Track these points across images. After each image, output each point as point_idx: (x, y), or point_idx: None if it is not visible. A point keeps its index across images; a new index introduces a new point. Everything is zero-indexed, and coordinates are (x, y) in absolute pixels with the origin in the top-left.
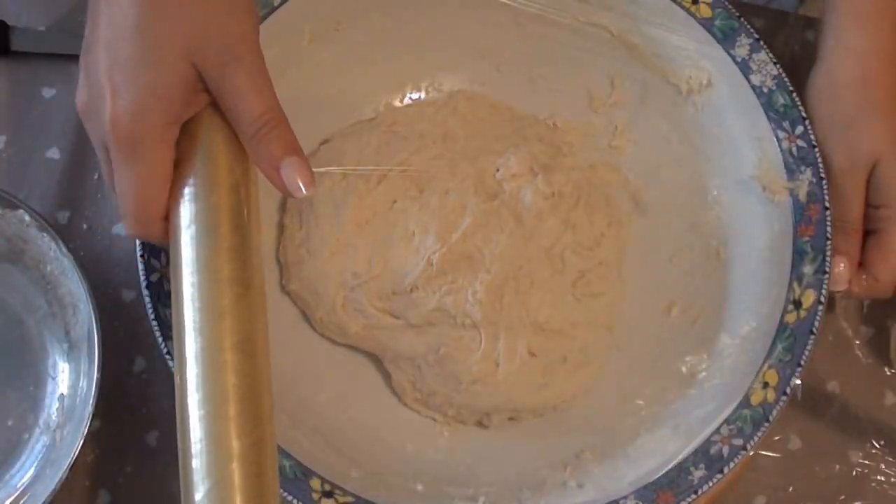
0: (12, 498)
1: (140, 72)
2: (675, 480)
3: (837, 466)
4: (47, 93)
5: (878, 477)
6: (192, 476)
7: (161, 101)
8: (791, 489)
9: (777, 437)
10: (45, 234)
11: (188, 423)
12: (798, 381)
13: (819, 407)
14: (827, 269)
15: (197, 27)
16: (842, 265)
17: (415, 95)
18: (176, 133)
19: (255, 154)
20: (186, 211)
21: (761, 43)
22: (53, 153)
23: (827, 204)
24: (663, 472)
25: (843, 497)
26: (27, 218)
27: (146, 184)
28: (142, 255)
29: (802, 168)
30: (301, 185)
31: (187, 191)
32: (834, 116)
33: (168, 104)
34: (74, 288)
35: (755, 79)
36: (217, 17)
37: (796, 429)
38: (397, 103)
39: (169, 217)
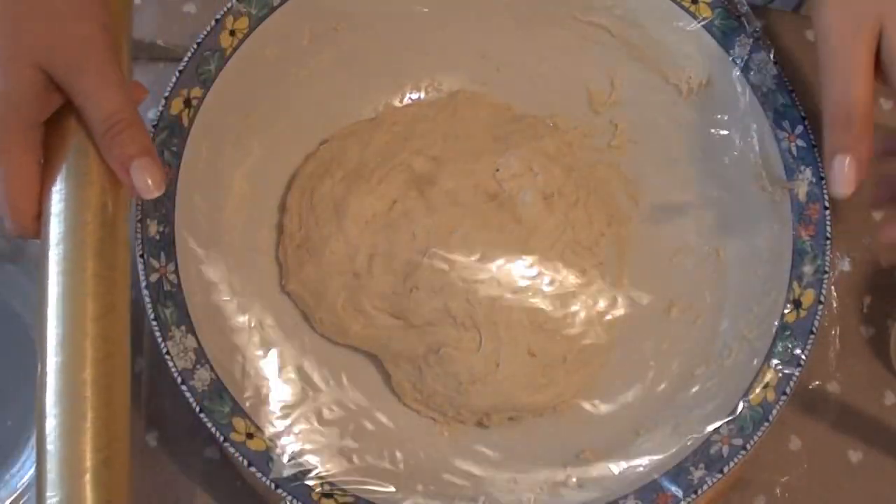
0: (12, 498)
1: None
2: (675, 480)
3: (837, 466)
4: None
5: (878, 477)
6: (45, 484)
7: (14, 108)
8: (791, 489)
9: (777, 437)
10: None
11: (44, 431)
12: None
13: (819, 407)
14: (827, 269)
15: (42, 36)
16: (846, 161)
17: (415, 95)
18: (38, 134)
19: (106, 154)
20: (55, 210)
21: (761, 43)
22: None
23: (827, 203)
24: (663, 471)
25: (842, 497)
26: None
27: (12, 187)
28: (141, 256)
29: (802, 168)
30: (150, 185)
31: (56, 188)
32: None
33: (22, 110)
34: None
35: (755, 79)
36: (62, 23)
37: (796, 429)
38: (397, 103)
39: (41, 215)
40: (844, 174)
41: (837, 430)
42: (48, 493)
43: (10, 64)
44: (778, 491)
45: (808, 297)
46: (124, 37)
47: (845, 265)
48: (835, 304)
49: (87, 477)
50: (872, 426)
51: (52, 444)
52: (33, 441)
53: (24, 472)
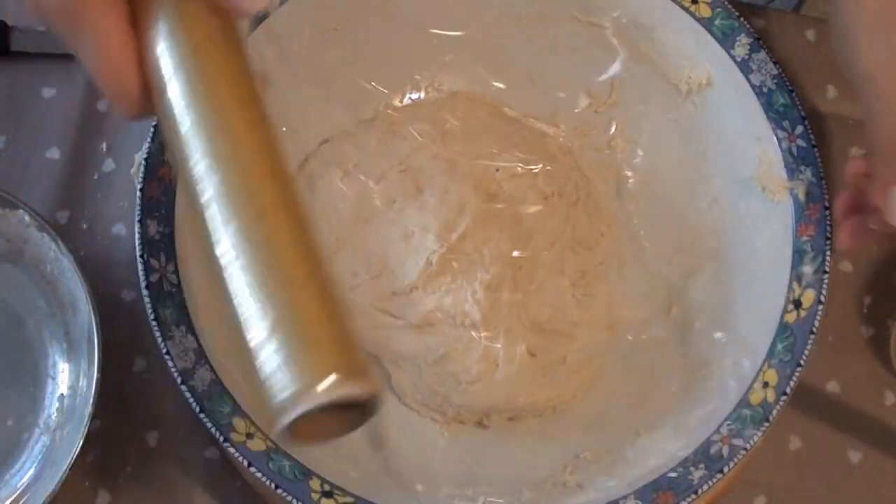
0: (12, 498)
1: None
2: (674, 480)
3: (837, 466)
4: (47, 93)
5: (878, 477)
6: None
7: None
8: (791, 489)
9: (777, 437)
10: (44, 234)
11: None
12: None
13: (819, 407)
14: (827, 269)
15: None
16: None
17: (415, 95)
18: None
19: None
20: (167, 62)
21: (761, 43)
22: (53, 153)
23: (827, 204)
24: (663, 471)
25: (842, 497)
26: (27, 218)
27: (105, 58)
28: (141, 256)
29: (802, 168)
30: None
31: (162, 44)
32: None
33: None
34: (74, 288)
35: (755, 78)
36: None
37: (796, 429)
38: (397, 103)
39: (148, 77)
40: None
41: (837, 430)
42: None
43: None
44: (778, 491)
45: (808, 297)
46: None
47: (845, 265)
48: (835, 305)
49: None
50: (872, 426)
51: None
52: (33, 441)
53: (24, 472)
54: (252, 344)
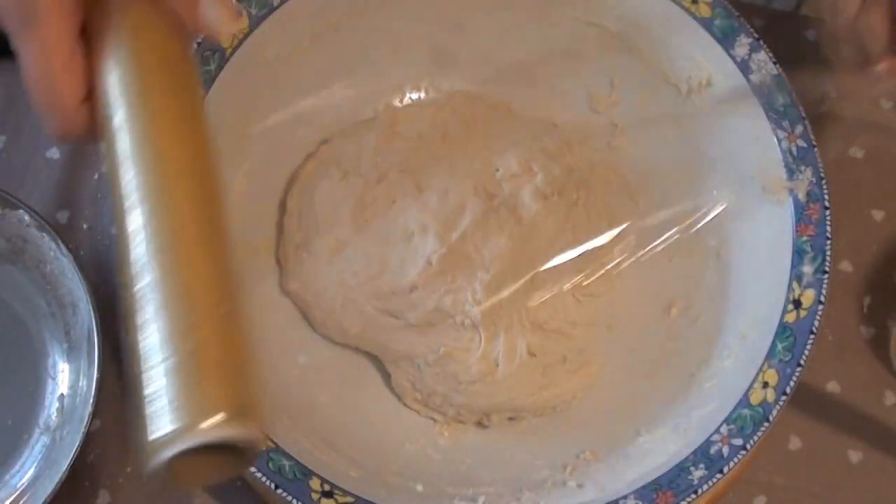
0: (12, 498)
1: None
2: (674, 480)
3: (837, 466)
4: None
5: (879, 477)
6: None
7: None
8: (791, 489)
9: (777, 437)
10: (44, 234)
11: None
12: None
13: (819, 407)
14: (827, 269)
15: None
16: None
17: (414, 95)
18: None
19: None
20: (115, 93)
21: (761, 42)
22: (53, 153)
23: (827, 203)
24: (663, 471)
25: (842, 497)
26: (27, 218)
27: (46, 73)
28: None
29: (802, 168)
30: (223, 16)
31: (112, 62)
32: None
33: None
34: (74, 288)
35: (755, 78)
36: None
37: (796, 429)
38: (397, 103)
39: (94, 97)
40: None
41: (837, 430)
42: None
43: None
44: (778, 491)
45: (808, 297)
46: None
47: (845, 265)
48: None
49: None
50: (872, 426)
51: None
52: (33, 441)
53: (23, 472)
54: (144, 374)
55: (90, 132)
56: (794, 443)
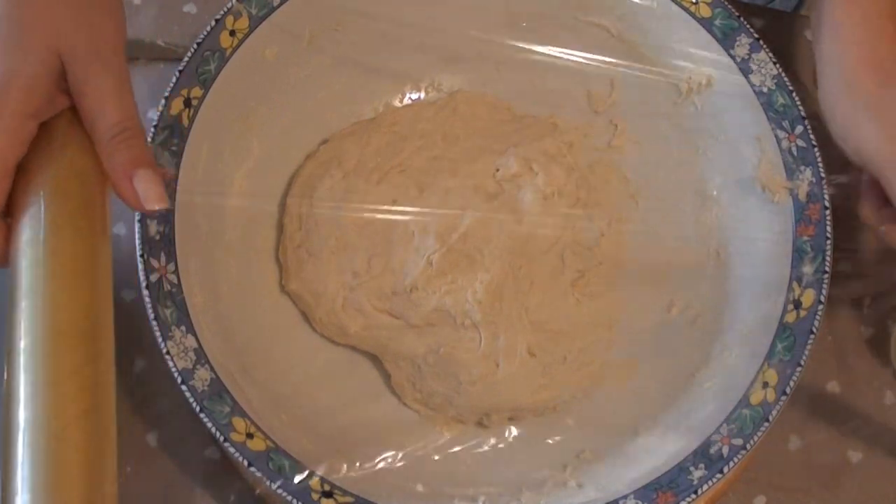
0: None
1: (5, 55)
2: (675, 480)
3: (837, 466)
4: None
5: (879, 477)
6: None
7: (22, 89)
8: (791, 489)
9: (777, 437)
10: None
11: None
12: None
13: (819, 407)
14: (827, 269)
15: (67, 20)
16: None
17: (414, 95)
18: (32, 130)
19: (108, 160)
20: (27, 226)
21: (761, 43)
22: None
23: (827, 203)
24: (663, 471)
25: (843, 497)
26: None
27: None
28: (141, 255)
29: (802, 168)
30: (153, 196)
31: (32, 200)
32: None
33: (29, 93)
34: None
35: (755, 78)
36: (88, 14)
37: (796, 429)
38: (397, 103)
39: (12, 226)
40: None
41: (837, 430)
42: None
43: (29, 44)
44: (778, 491)
45: (808, 297)
46: None
47: (845, 265)
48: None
49: None
50: (872, 426)
51: None
52: None
53: None
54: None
55: None
56: (794, 443)
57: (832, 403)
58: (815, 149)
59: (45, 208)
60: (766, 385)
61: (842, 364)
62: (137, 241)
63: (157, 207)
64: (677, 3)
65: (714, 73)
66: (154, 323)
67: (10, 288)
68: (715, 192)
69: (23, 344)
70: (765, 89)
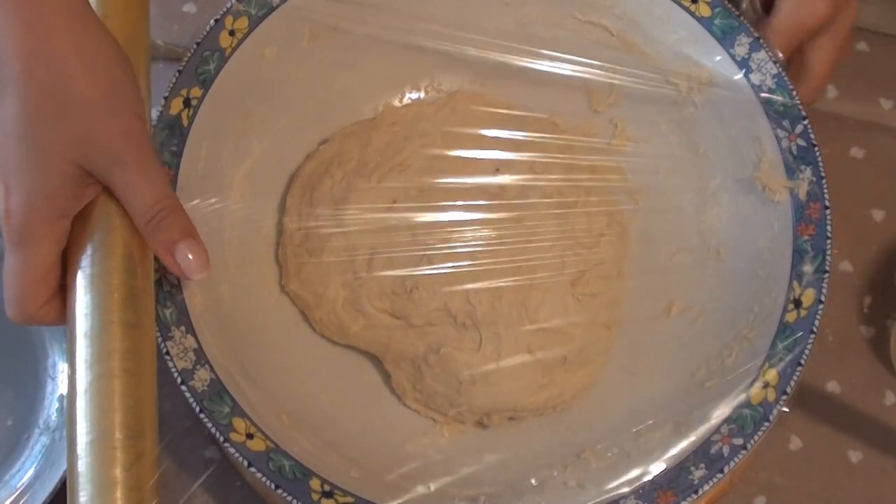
0: (12, 498)
1: (28, 175)
2: (675, 480)
3: (837, 466)
4: None
5: (879, 477)
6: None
7: (48, 200)
8: (791, 489)
9: (777, 437)
10: None
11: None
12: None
13: (819, 407)
14: (827, 269)
15: (80, 132)
16: None
17: (414, 95)
18: (66, 226)
19: (150, 240)
20: (82, 280)
21: (761, 42)
22: None
23: (827, 203)
24: (664, 471)
25: (842, 497)
26: None
27: (27, 276)
28: None
29: (802, 167)
30: (196, 267)
31: (84, 262)
32: None
33: (54, 202)
34: None
35: (755, 78)
36: (100, 120)
37: (796, 429)
38: (397, 103)
39: (68, 287)
40: None
41: (837, 430)
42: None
43: (46, 159)
44: (778, 491)
45: (808, 297)
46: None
47: (845, 265)
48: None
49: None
50: (872, 426)
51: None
52: (33, 441)
53: (23, 472)
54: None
55: (45, 323)
56: (795, 443)
57: (832, 403)
58: (816, 148)
59: (92, 302)
60: (766, 385)
61: (842, 364)
62: None
63: (199, 277)
64: (677, 3)
65: (714, 73)
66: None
67: (69, 332)
68: (715, 192)
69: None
70: (765, 88)
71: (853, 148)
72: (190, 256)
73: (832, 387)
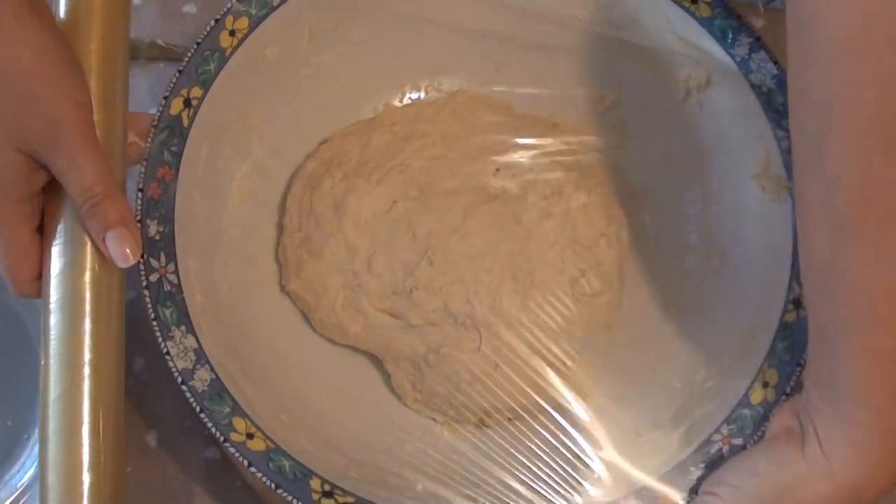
0: (12, 498)
1: None
2: (675, 480)
3: None
4: None
5: None
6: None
7: (4, 187)
8: None
9: None
10: None
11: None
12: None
13: None
14: None
15: (14, 118)
16: None
17: (414, 95)
18: (35, 204)
19: (85, 226)
20: (54, 265)
21: (761, 42)
22: None
23: None
24: (664, 471)
25: None
26: None
27: (11, 256)
28: (141, 255)
29: None
30: (124, 253)
31: (55, 249)
32: None
33: (11, 189)
34: None
35: (755, 78)
36: (33, 105)
37: None
38: (396, 103)
39: (40, 276)
40: None
41: None
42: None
43: None
44: None
45: None
46: (121, 71)
47: None
48: None
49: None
50: None
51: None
52: (33, 441)
53: (24, 472)
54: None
55: (38, 297)
56: None
57: None
58: None
59: (64, 257)
60: (766, 385)
61: None
62: None
63: (125, 266)
64: (677, 3)
65: (714, 73)
66: (154, 323)
67: (42, 311)
68: (715, 192)
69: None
70: (765, 89)
71: None
72: (119, 245)
73: None
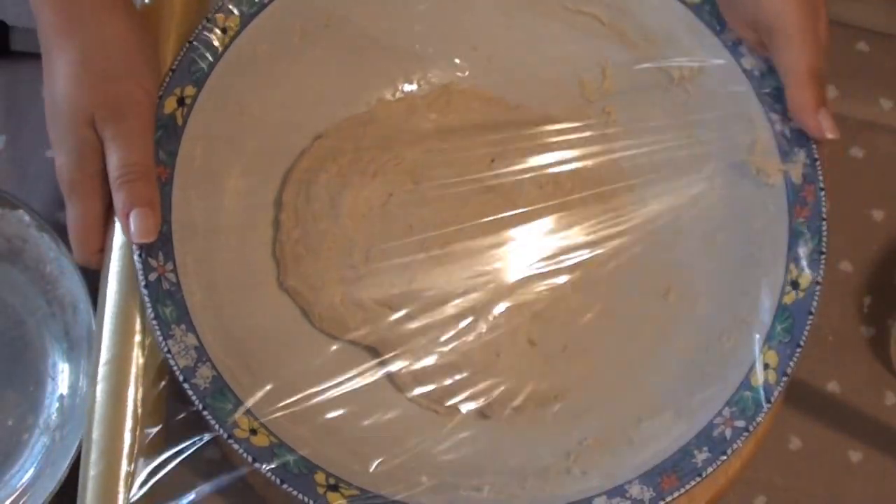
0: (12, 498)
1: (63, 136)
2: (678, 464)
3: (837, 466)
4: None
5: (879, 477)
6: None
7: (80, 159)
8: (791, 489)
9: (777, 437)
10: (44, 234)
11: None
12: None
13: (819, 407)
14: (824, 250)
15: (93, 94)
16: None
17: (407, 89)
18: (105, 182)
19: (114, 198)
20: (117, 238)
21: None
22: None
23: (822, 185)
24: (667, 456)
25: (842, 497)
26: (27, 218)
27: (79, 226)
28: (140, 255)
29: (796, 150)
30: (139, 231)
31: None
32: None
33: (85, 161)
34: (74, 288)
35: (746, 62)
36: (110, 83)
37: (796, 429)
38: (390, 97)
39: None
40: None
41: (837, 430)
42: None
43: (70, 124)
44: (778, 491)
45: (805, 279)
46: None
47: (845, 265)
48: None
49: None
50: (872, 426)
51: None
52: (33, 441)
53: (23, 472)
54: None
55: (99, 267)
56: (794, 443)
57: (832, 403)
58: None
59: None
60: (766, 367)
61: (842, 364)
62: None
63: (142, 241)
64: None
65: (705, 58)
66: (154, 322)
67: (102, 280)
68: (709, 177)
69: None
70: (756, 72)
71: (853, 148)
72: (142, 222)
73: (832, 387)
